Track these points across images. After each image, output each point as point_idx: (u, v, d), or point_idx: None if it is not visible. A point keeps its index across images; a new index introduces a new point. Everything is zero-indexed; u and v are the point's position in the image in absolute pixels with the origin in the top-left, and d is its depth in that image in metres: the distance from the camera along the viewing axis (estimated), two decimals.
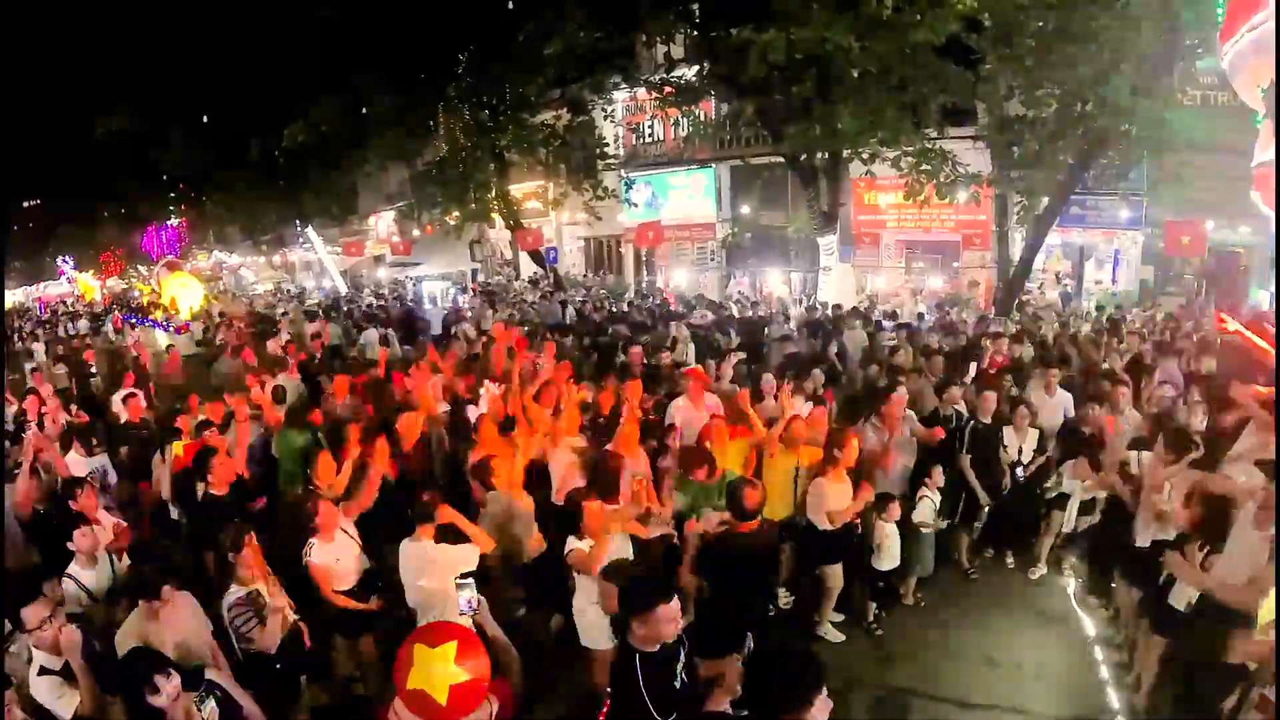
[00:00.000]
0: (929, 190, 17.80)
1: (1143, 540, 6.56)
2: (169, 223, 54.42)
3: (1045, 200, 17.56)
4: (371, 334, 17.05)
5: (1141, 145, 16.07)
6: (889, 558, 7.61)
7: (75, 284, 49.90)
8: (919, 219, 22.35)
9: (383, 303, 25.58)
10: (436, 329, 19.06)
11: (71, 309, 36.33)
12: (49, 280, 55.38)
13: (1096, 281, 21.99)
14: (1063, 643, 7.42)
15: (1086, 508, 8.41)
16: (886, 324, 15.74)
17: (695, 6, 19.67)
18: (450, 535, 6.00)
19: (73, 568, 5.91)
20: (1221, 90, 17.72)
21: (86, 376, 15.72)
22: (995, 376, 10.33)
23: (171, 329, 22.68)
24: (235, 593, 5.44)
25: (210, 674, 4.57)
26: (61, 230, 54.67)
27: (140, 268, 53.23)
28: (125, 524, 7.15)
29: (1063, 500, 8.37)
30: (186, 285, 29.96)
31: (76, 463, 8.38)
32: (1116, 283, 21.56)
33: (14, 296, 50.95)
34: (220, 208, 46.21)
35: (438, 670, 3.65)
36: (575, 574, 5.89)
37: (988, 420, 8.52)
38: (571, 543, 5.84)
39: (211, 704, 4.33)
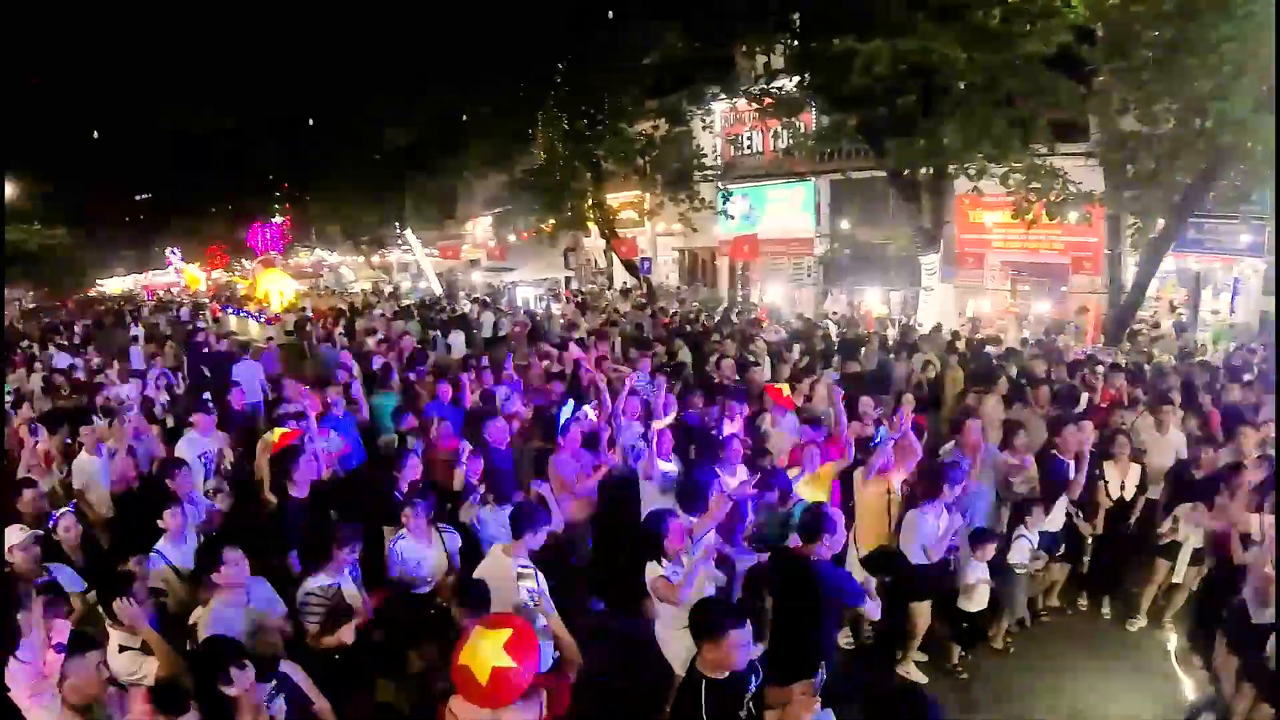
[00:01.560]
0: (1037, 209, 17.05)
1: (1258, 618, 5.99)
2: (273, 220, 56.01)
3: (1161, 222, 16.63)
4: (458, 337, 17.15)
5: (1265, 164, 15.08)
6: (978, 598, 7.15)
7: (181, 275, 51.64)
8: (1025, 239, 21.44)
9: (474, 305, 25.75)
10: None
11: (177, 298, 37.75)
12: (157, 269, 57.41)
13: (1213, 311, 20.76)
14: (1156, 702, 6.91)
15: (1197, 557, 7.77)
16: (990, 349, 15.14)
17: (795, 16, 19.29)
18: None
19: (161, 544, 6.12)
20: None
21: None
22: (1105, 411, 9.74)
23: (263, 320, 23.53)
24: (317, 580, 5.46)
25: (284, 665, 4.56)
26: (171, 223, 56.60)
27: (244, 262, 54.90)
28: (219, 508, 7.45)
29: (1173, 549, 7.67)
30: (279, 280, 31.42)
31: (192, 442, 8.66)
32: (1235, 313, 20.33)
33: (124, 283, 53.07)
34: (321, 207, 47.36)
35: (486, 651, 3.85)
36: (656, 600, 5.67)
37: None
38: (651, 569, 5.63)
39: (281, 702, 4.35)
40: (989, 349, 15.16)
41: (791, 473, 7.71)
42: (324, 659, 5.20)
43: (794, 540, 6.83)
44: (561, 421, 8.56)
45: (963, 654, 7.43)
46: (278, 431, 8.24)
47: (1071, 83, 15.72)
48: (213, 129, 43.64)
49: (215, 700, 4.02)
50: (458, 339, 17.99)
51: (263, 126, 42.54)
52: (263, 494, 7.94)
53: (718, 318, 20.49)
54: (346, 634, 5.18)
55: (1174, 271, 20.40)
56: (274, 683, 4.35)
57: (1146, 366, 13.95)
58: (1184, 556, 7.64)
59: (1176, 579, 7.77)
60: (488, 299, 27.75)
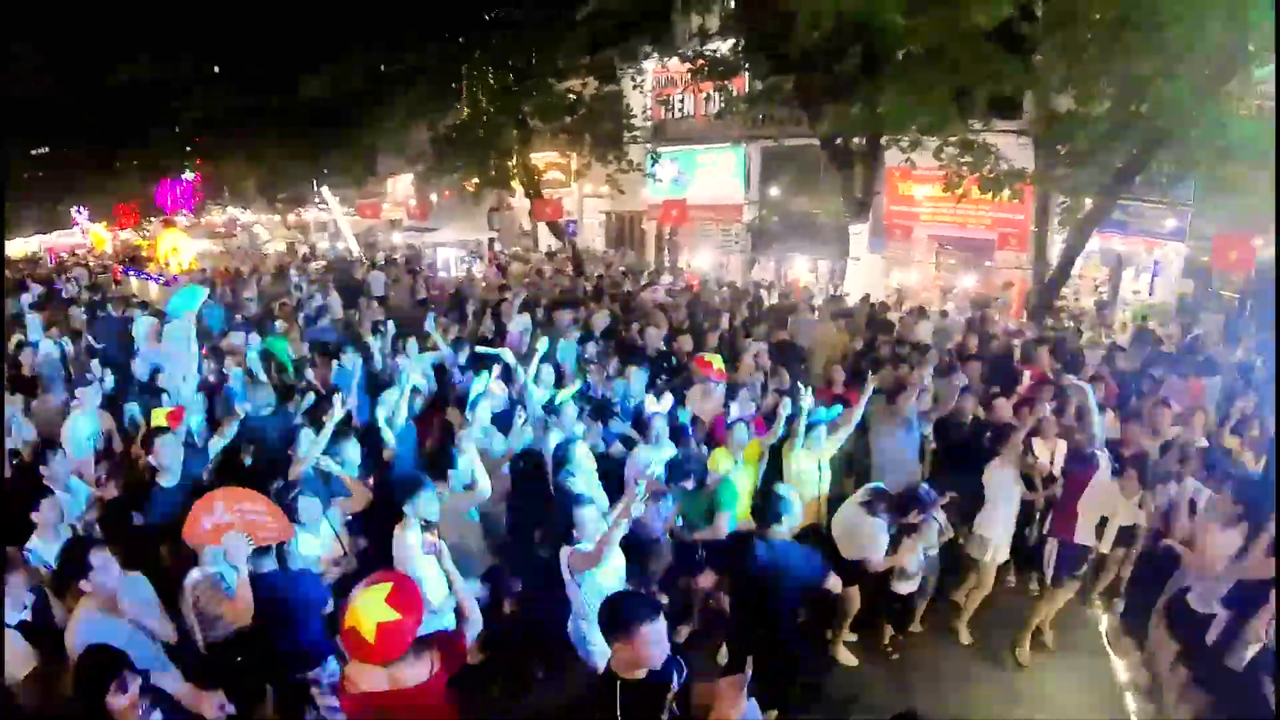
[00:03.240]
0: (968, 184, 16.99)
1: (1202, 608, 5.88)
2: (184, 176, 53.98)
3: (1090, 202, 16.72)
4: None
5: (1198, 151, 15.18)
6: (910, 579, 6.96)
7: (88, 235, 49.64)
8: (954, 214, 21.48)
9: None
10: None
11: (82, 260, 36.11)
12: (62, 230, 54.98)
13: (1134, 292, 21.14)
14: (1091, 681, 7.02)
15: (1125, 537, 7.71)
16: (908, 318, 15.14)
17: None
18: None
19: (33, 540, 5.62)
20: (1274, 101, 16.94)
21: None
22: (1036, 387, 9.64)
23: (162, 281, 22.83)
24: (197, 573, 5.15)
25: (159, 679, 4.22)
26: (77, 180, 54.10)
27: (155, 220, 53.00)
28: (100, 496, 6.81)
29: (1102, 525, 7.55)
30: (178, 240, 30.55)
31: (76, 423, 7.90)
32: (1154, 294, 20.72)
33: (28, 245, 50.77)
34: (238, 161, 45.78)
35: (369, 608, 3.80)
36: (573, 580, 5.38)
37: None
38: (564, 551, 5.43)
39: (158, 715, 4.03)
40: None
41: (717, 454, 7.46)
42: (217, 657, 4.96)
43: (718, 525, 6.75)
44: (472, 396, 8.10)
45: (894, 635, 7.33)
46: (161, 412, 7.54)
47: (1011, 57, 15.62)
48: (126, 76, 41.59)
49: (97, 713, 3.82)
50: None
51: (175, 74, 40.76)
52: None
53: (644, 281, 20.02)
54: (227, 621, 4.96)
55: (1097, 251, 20.63)
56: (147, 699, 4.01)
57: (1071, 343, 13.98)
58: (1109, 533, 7.60)
59: (1104, 549, 7.70)
60: (386, 259, 26.77)
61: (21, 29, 40.41)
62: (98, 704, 3.79)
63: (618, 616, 3.81)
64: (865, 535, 6.53)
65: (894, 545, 6.58)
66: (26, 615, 4.81)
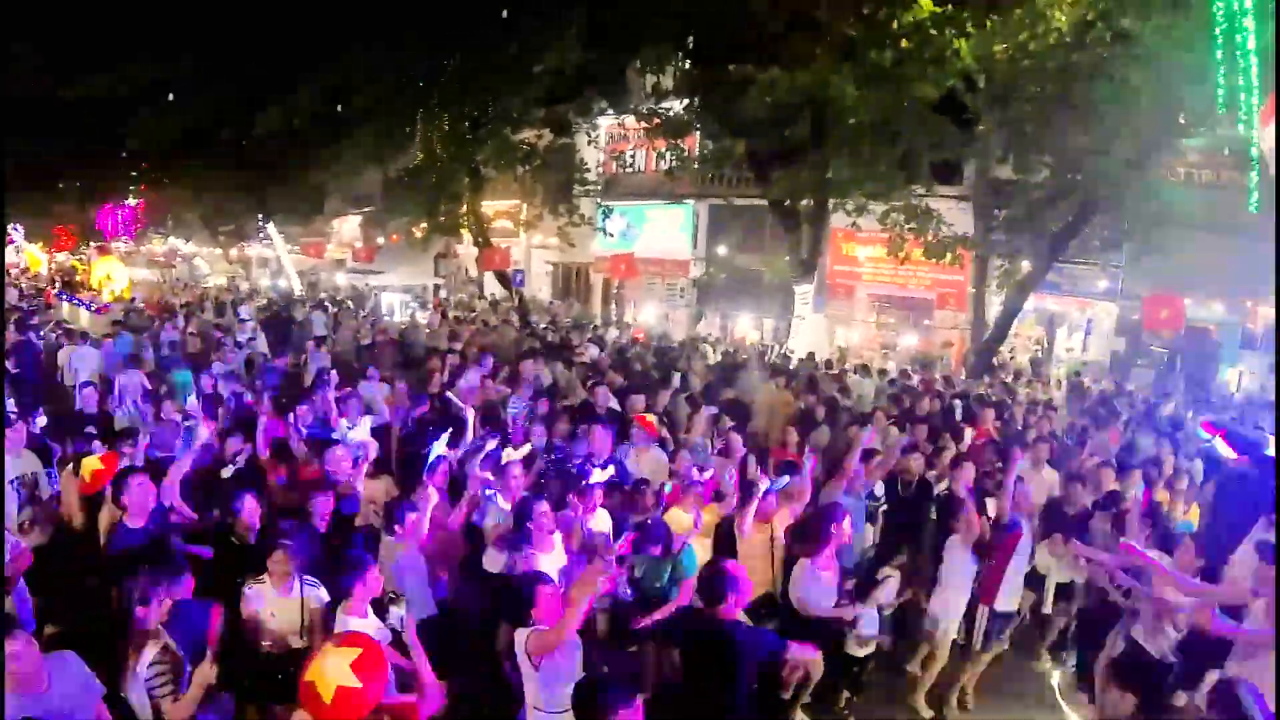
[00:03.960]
0: (909, 247, 17.53)
1: (1154, 650, 6.17)
2: (127, 202, 52.97)
3: (1027, 265, 17.37)
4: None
5: (1130, 218, 15.92)
6: (866, 643, 7.04)
7: (22, 254, 48.36)
8: (895, 274, 22.10)
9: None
10: None
11: (14, 280, 35.25)
12: None
13: (1068, 349, 21.90)
14: None
15: (1066, 591, 8.02)
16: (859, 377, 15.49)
17: (690, 39, 19.34)
18: None
19: None
20: (1206, 168, 17.85)
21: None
22: (981, 448, 9.96)
23: (93, 308, 22.40)
24: (153, 648, 4.70)
25: None
26: (15, 196, 52.71)
27: (94, 245, 51.79)
28: (26, 547, 6.12)
29: (1038, 580, 7.87)
30: (113, 267, 29.99)
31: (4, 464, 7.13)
32: (1087, 351, 21.49)
33: None
34: (182, 191, 45.06)
35: (332, 668, 3.71)
36: (530, 663, 4.99)
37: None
38: (520, 633, 5.06)
39: None
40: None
41: (674, 515, 7.28)
42: None
43: (683, 592, 6.59)
44: (431, 458, 7.49)
45: (849, 697, 7.29)
46: (89, 465, 6.88)
47: (955, 128, 16.23)
48: (72, 94, 40.85)
49: None
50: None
51: (126, 96, 40.14)
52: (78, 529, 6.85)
53: (588, 335, 20.12)
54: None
55: (1032, 310, 21.32)
56: None
57: (1011, 401, 14.39)
58: (1048, 586, 7.89)
59: (1046, 609, 7.99)
60: (327, 301, 26.57)
61: None
62: None
63: (593, 704, 3.80)
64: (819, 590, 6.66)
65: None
66: None
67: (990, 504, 8.13)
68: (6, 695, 3.99)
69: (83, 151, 46.06)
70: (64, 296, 27.16)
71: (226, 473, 7.65)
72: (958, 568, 7.19)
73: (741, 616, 5.38)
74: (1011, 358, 20.93)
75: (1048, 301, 21.32)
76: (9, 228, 51.46)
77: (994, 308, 19.28)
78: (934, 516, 8.41)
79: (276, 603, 5.44)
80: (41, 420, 8.87)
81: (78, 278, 34.59)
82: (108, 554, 5.92)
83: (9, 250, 50.10)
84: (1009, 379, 17.49)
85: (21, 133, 45.52)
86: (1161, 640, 6.22)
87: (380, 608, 5.29)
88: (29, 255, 46.61)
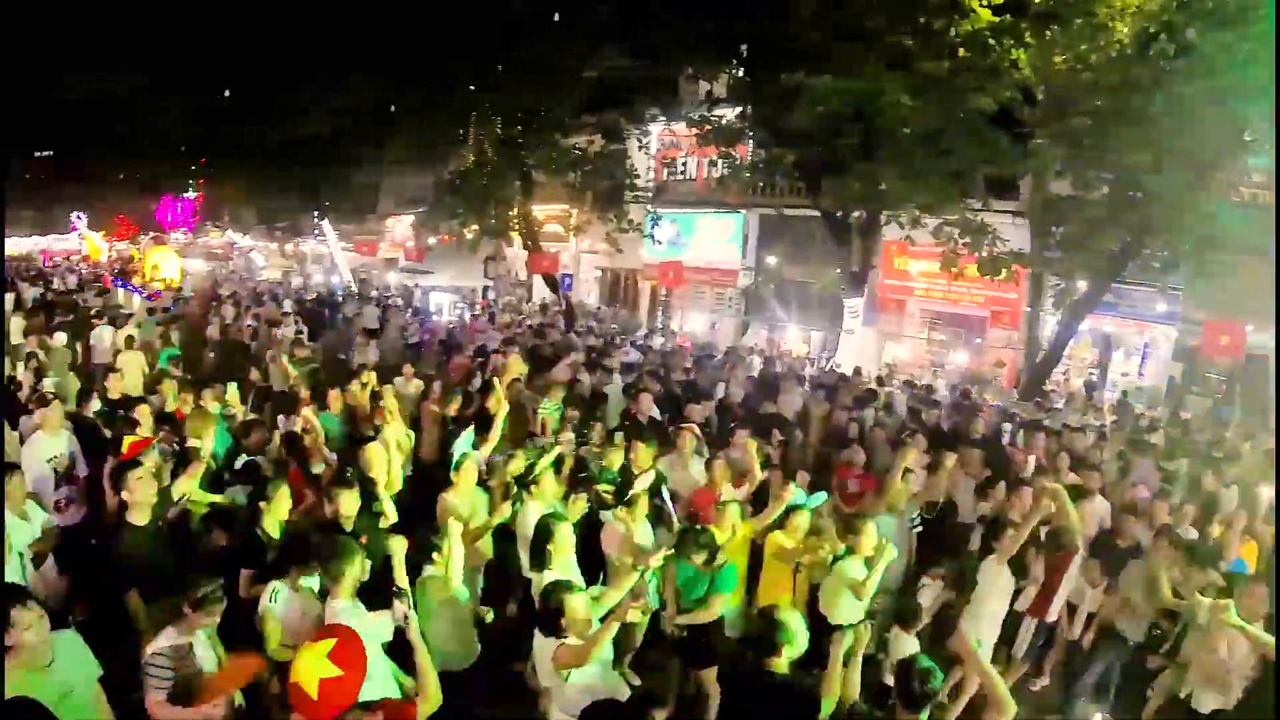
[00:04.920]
0: (963, 262, 17.13)
1: (1201, 706, 5.82)
2: (186, 195, 54.31)
3: (1083, 284, 16.87)
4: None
5: (1191, 240, 15.36)
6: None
7: (84, 241, 49.65)
8: (948, 290, 21.64)
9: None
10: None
11: (75, 266, 36.11)
12: (59, 234, 55.07)
13: (1123, 374, 21.26)
14: None
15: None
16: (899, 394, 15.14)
17: (743, 47, 19.15)
18: None
19: None
20: (1269, 190, 17.17)
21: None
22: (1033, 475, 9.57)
23: (145, 295, 22.99)
24: (166, 638, 4.57)
25: None
26: (79, 186, 54.35)
27: (150, 235, 53.05)
28: (55, 525, 6.37)
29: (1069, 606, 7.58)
30: (165, 257, 30.85)
31: (35, 444, 7.40)
32: (1143, 376, 20.84)
33: (22, 245, 50.69)
34: (236, 187, 46.01)
35: (312, 663, 3.78)
36: (557, 675, 4.92)
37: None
38: (548, 641, 4.95)
39: None
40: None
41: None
42: None
43: (717, 604, 6.35)
44: (456, 455, 7.56)
45: None
46: (126, 441, 7.13)
47: (1010, 141, 15.82)
48: (126, 92, 41.98)
49: None
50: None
51: (182, 96, 41.17)
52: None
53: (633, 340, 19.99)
54: (216, 713, 4.51)
55: (1087, 332, 20.74)
56: None
57: (1064, 428, 13.94)
58: (1078, 619, 7.58)
59: (1073, 634, 7.65)
60: (380, 298, 26.64)
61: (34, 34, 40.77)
62: None
63: None
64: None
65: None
66: None
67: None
68: (14, 667, 4.06)
69: (139, 144, 47.57)
70: (119, 283, 27.84)
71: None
72: (994, 589, 6.92)
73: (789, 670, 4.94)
74: (1065, 380, 20.42)
75: (1104, 323, 20.71)
76: (73, 215, 53.09)
77: (1048, 328, 18.75)
78: (970, 538, 8.09)
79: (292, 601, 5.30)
80: (95, 404, 9.04)
81: (133, 265, 35.36)
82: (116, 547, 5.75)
83: (71, 238, 51.60)
84: (1061, 402, 17.00)
85: (77, 123, 46.89)
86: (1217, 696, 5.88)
87: (386, 602, 5.02)
88: (90, 242, 47.66)
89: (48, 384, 9.77)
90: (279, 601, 5.19)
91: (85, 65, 42.47)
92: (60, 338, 13.24)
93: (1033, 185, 17.69)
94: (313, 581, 5.38)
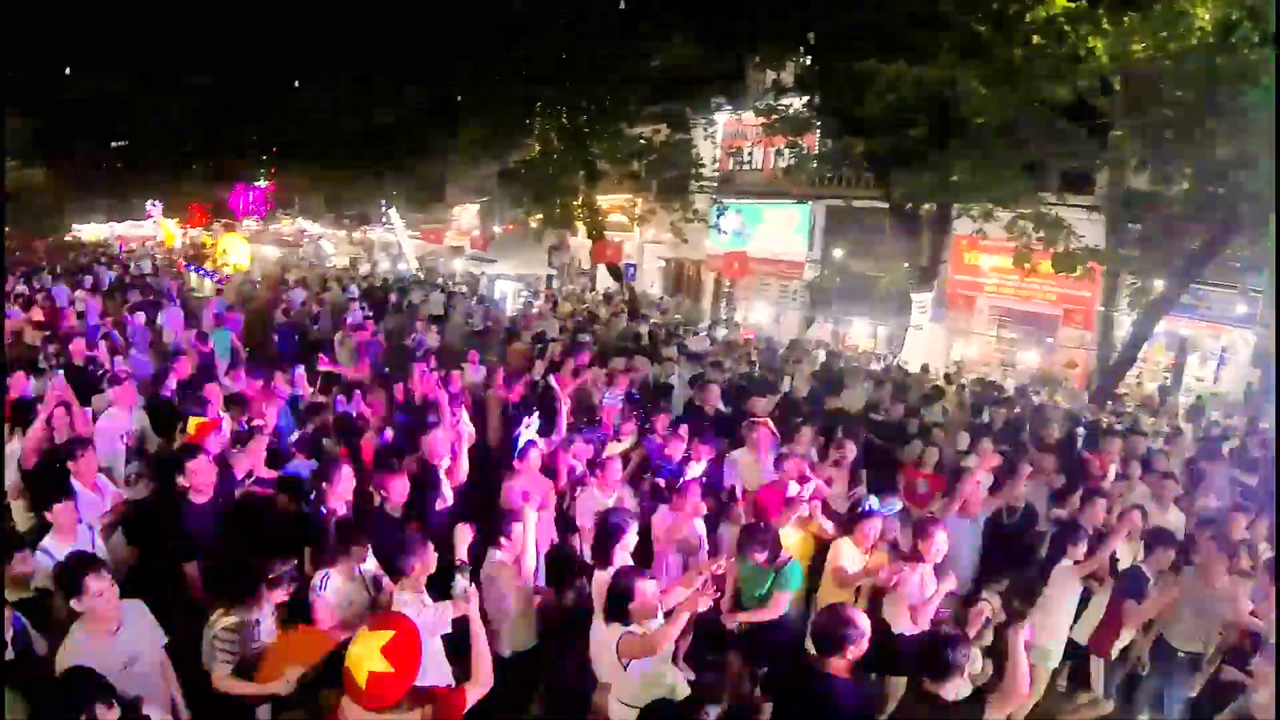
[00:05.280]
0: (1036, 258, 16.69)
1: None
2: (258, 184, 55.53)
3: (1160, 284, 16.33)
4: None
5: (1274, 240, 14.76)
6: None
7: (159, 228, 51.08)
8: (1020, 287, 21.09)
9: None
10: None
11: (150, 251, 37.20)
12: (135, 220, 56.74)
13: (1198, 378, 20.53)
14: None
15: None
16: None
17: (811, 34, 18.87)
18: None
19: (48, 540, 5.37)
20: None
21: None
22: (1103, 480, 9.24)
23: (215, 279, 23.68)
24: (233, 616, 4.77)
25: (150, 710, 4.05)
26: (153, 175, 55.99)
27: (222, 222, 54.45)
28: (124, 497, 6.57)
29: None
30: (235, 243, 31.92)
31: (111, 418, 7.70)
32: (1219, 382, 20.11)
33: (99, 231, 52.24)
34: (305, 176, 46.90)
35: (365, 653, 3.68)
36: (619, 663, 4.84)
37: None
38: (611, 630, 4.88)
39: None
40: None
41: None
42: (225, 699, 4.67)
43: (780, 603, 6.23)
44: (521, 442, 7.51)
45: None
46: (193, 422, 7.20)
47: (1086, 133, 15.36)
48: (197, 84, 43.10)
49: None
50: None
51: (252, 88, 42.07)
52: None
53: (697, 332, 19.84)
54: (279, 687, 4.60)
55: (1162, 334, 20.07)
56: None
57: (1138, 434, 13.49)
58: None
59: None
60: (451, 285, 26.91)
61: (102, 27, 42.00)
62: None
63: None
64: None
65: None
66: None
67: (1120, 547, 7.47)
68: (82, 633, 4.35)
69: (212, 134, 48.95)
70: (191, 268, 28.58)
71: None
72: (1064, 597, 6.66)
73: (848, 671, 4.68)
74: (1138, 384, 19.80)
75: (1180, 325, 20.02)
76: (148, 203, 54.62)
77: (1123, 328, 18.20)
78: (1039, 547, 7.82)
79: (344, 587, 5.34)
80: (172, 383, 9.22)
81: (205, 251, 36.45)
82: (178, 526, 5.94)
83: (147, 224, 53.13)
84: (1135, 406, 16.49)
85: (151, 114, 48.33)
86: None
87: (446, 592, 5.01)
88: (164, 229, 48.98)
89: (122, 363, 10.09)
90: (328, 590, 5.23)
91: (160, 63, 43.77)
92: (139, 317, 13.67)
93: (1110, 179, 17.15)
94: (367, 568, 5.43)
